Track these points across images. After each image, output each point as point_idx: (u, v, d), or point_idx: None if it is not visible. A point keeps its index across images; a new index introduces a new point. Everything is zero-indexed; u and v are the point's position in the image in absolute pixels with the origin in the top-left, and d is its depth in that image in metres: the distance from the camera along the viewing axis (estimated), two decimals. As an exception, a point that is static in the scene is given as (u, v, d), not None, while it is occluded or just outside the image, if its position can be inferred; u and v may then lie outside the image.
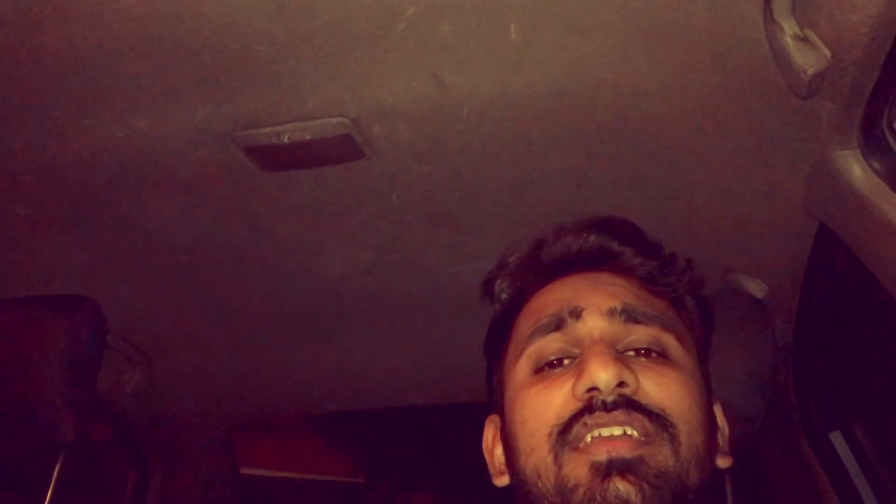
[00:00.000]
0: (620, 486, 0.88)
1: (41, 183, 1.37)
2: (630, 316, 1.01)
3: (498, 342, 1.15)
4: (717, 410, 1.08)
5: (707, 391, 1.04)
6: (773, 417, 1.73)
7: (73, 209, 1.44)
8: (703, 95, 1.11)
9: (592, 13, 1.02)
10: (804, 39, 0.90)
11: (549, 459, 0.94)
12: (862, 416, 1.75)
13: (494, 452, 1.11)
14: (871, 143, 1.00)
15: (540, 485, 0.95)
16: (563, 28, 1.05)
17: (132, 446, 2.05)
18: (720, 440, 1.05)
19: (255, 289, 1.71)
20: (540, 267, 1.13)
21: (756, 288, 1.46)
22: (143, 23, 1.05)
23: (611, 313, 1.01)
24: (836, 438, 1.75)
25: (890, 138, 0.99)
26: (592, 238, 1.10)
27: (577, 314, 1.02)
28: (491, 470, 1.12)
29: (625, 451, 0.90)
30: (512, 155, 1.31)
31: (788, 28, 0.90)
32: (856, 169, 1.03)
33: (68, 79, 1.16)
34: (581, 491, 0.90)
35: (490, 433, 1.14)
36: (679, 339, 1.02)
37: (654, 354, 1.00)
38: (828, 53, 0.89)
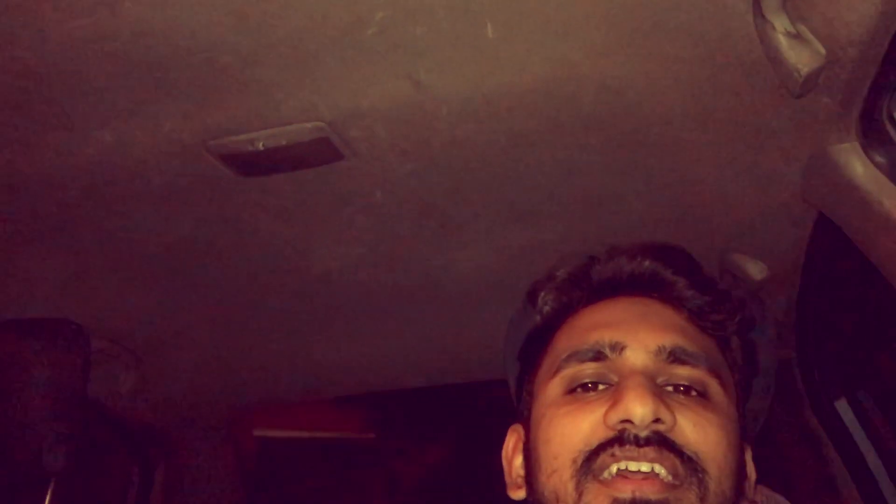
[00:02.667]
0: None
1: (14, 201, 1.33)
2: (677, 358, 0.97)
3: (534, 353, 1.11)
4: (748, 456, 1.05)
5: (741, 436, 1.00)
6: (779, 387, 1.71)
7: (49, 223, 1.40)
8: (692, 89, 1.06)
9: (571, 9, 0.97)
10: (797, 36, 0.84)
11: (571, 486, 0.92)
12: (866, 383, 1.73)
13: (514, 463, 1.09)
14: (871, 137, 0.95)
15: None
16: (541, 25, 1.00)
17: (132, 446, 2.04)
18: (747, 489, 1.02)
19: (244, 287, 1.68)
20: (588, 284, 1.09)
21: (756, 269, 1.42)
22: (102, 40, 1.01)
23: (658, 352, 0.97)
24: (842, 406, 1.73)
25: (891, 130, 0.93)
26: (647, 263, 1.06)
27: (619, 349, 0.98)
28: (507, 480, 1.10)
29: (650, 493, 0.87)
30: (497, 149, 1.26)
31: (780, 25, 0.84)
32: (856, 162, 0.98)
33: (30, 96, 1.12)
34: None
35: (511, 442, 1.11)
36: (721, 382, 0.98)
37: (693, 393, 0.96)
38: (822, 50, 0.84)
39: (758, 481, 1.10)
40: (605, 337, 0.99)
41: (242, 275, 1.63)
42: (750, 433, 1.13)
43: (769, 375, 1.21)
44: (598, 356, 0.98)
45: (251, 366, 1.96)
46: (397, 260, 1.59)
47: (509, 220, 1.45)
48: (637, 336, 0.98)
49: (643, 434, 0.89)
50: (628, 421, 0.89)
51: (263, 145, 1.23)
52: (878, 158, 0.96)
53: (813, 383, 1.71)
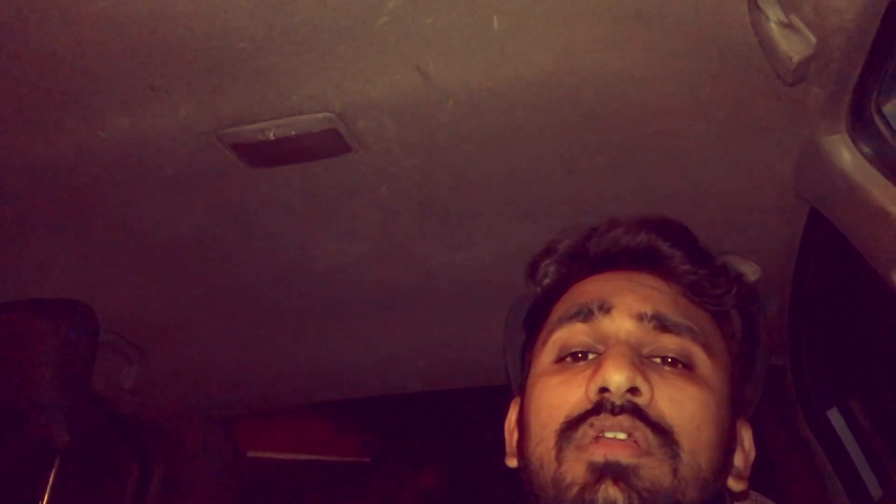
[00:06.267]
0: (611, 491, 0.87)
1: (27, 185, 1.36)
2: (660, 323, 0.98)
3: (534, 325, 1.13)
4: (745, 431, 1.05)
5: (732, 409, 1.01)
6: (771, 396, 1.73)
7: (62, 210, 1.43)
8: (689, 81, 1.10)
9: (575, 2, 1.01)
10: (789, 26, 0.89)
11: (553, 454, 0.94)
12: (858, 392, 1.75)
13: (513, 434, 1.10)
14: (860, 128, 0.99)
15: (542, 475, 0.95)
16: (546, 17, 1.04)
17: (132, 441, 2.05)
18: (739, 462, 1.03)
19: (248, 282, 1.70)
20: (586, 257, 1.10)
21: (749, 270, 1.45)
22: (120, 24, 1.04)
23: (640, 317, 0.98)
24: (834, 415, 1.76)
25: (879, 122, 0.97)
26: (642, 236, 1.06)
27: (606, 309, 1.00)
28: (507, 449, 1.11)
29: (622, 457, 0.89)
30: (500, 144, 1.30)
31: (773, 15, 0.89)
32: (845, 153, 1.02)
33: (47, 81, 1.15)
34: (575, 490, 0.90)
35: (513, 415, 1.13)
36: (710, 352, 0.99)
37: (679, 365, 0.97)
38: (813, 39, 0.88)
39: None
40: (595, 299, 1.01)
41: (247, 270, 1.66)
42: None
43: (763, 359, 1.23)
44: (587, 315, 1.00)
45: (253, 364, 1.98)
46: (399, 257, 1.62)
47: (508, 218, 1.48)
48: (624, 300, 1.00)
49: (618, 402, 0.90)
50: (606, 390, 0.91)
51: (274, 135, 1.26)
52: (867, 149, 1.00)
53: (805, 391, 1.73)
